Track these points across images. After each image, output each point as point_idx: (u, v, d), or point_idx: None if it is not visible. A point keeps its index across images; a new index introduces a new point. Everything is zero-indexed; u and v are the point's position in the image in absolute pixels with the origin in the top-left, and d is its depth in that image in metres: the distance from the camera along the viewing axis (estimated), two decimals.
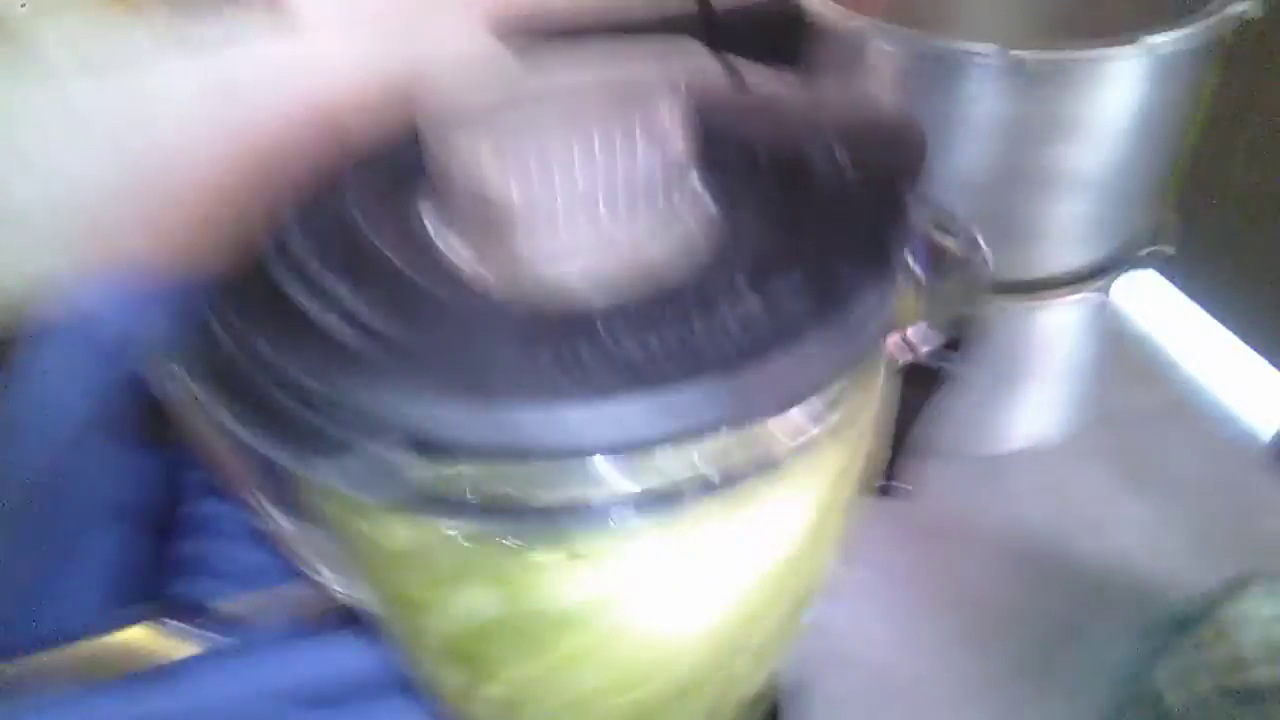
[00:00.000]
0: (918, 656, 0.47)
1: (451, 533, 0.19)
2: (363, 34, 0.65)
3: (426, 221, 0.23)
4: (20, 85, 0.62)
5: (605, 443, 0.17)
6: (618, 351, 0.18)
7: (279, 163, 0.23)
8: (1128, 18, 0.42)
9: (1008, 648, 0.47)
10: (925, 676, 0.46)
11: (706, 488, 0.19)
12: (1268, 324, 0.63)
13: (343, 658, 0.42)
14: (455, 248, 0.22)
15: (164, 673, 0.42)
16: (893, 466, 0.51)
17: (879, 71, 0.45)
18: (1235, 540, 0.52)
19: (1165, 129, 0.46)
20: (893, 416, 0.50)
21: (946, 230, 0.23)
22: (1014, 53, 0.40)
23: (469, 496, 0.18)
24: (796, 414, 0.19)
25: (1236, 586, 0.42)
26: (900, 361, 0.24)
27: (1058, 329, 0.51)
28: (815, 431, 0.20)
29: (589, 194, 0.21)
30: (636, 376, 0.17)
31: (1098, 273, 0.49)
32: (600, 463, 0.18)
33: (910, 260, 0.21)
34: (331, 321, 0.18)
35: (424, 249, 0.22)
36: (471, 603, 0.21)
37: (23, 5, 0.62)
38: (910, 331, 0.22)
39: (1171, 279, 0.67)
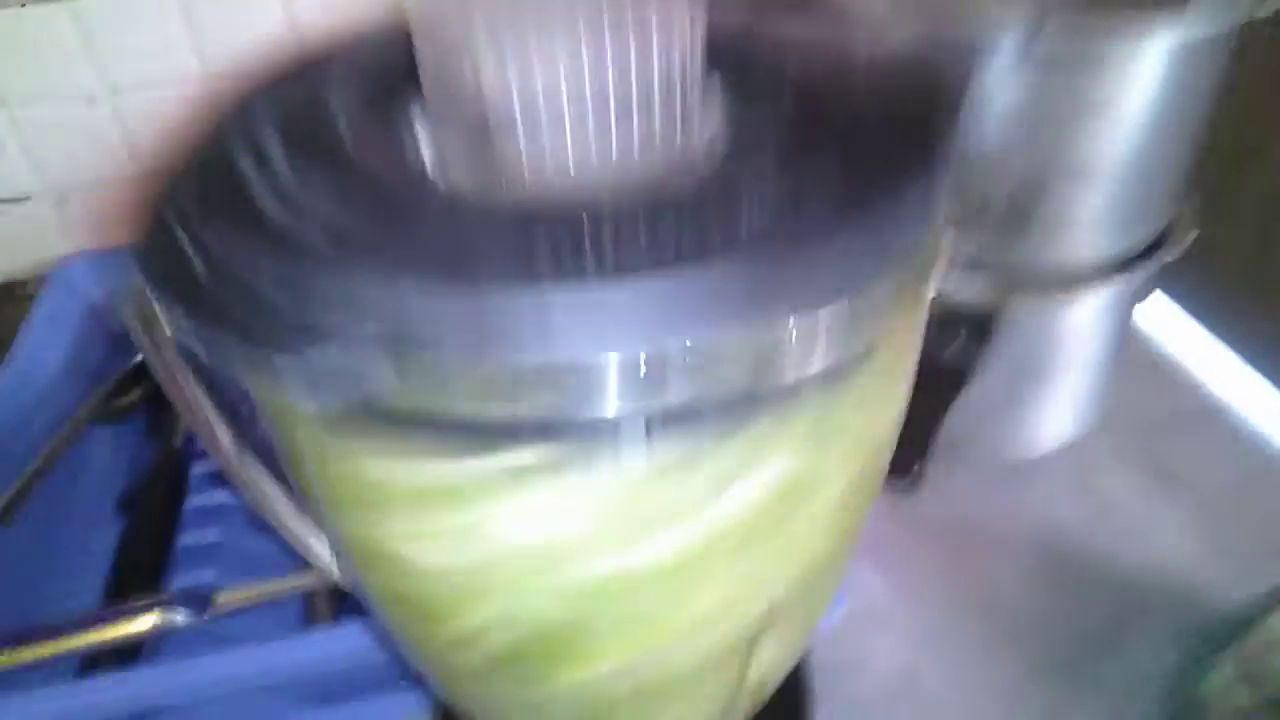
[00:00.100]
0: (944, 664, 0.45)
1: (434, 454, 0.17)
2: None
3: (418, 129, 0.21)
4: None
5: (606, 337, 0.15)
6: (623, 238, 0.15)
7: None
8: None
9: (1039, 656, 0.45)
10: (952, 684, 0.44)
11: (725, 409, 0.17)
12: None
13: (346, 649, 0.41)
14: (445, 154, 0.20)
15: (165, 663, 0.42)
16: (919, 461, 0.49)
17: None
18: (1273, 547, 0.50)
19: (1188, 116, 0.45)
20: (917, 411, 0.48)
21: None
22: (1033, 33, 0.39)
23: (450, 407, 0.16)
24: (827, 323, 0.16)
25: None
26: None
27: (1081, 325, 0.50)
28: (850, 350, 0.17)
29: (598, 93, 0.19)
30: (643, 261, 0.15)
31: (1120, 267, 0.48)
32: (601, 365, 0.15)
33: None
34: (298, 209, 0.16)
35: (411, 152, 0.20)
36: (454, 536, 0.19)
37: (22, 5, 0.62)
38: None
39: (1180, 299, 0.66)
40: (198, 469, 0.55)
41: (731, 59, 0.22)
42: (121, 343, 0.63)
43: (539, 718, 0.27)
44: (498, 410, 0.16)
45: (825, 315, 0.16)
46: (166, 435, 0.57)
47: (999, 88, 0.41)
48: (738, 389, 0.16)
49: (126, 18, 0.60)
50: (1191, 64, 0.42)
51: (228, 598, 0.45)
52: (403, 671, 0.41)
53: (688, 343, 0.15)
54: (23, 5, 0.59)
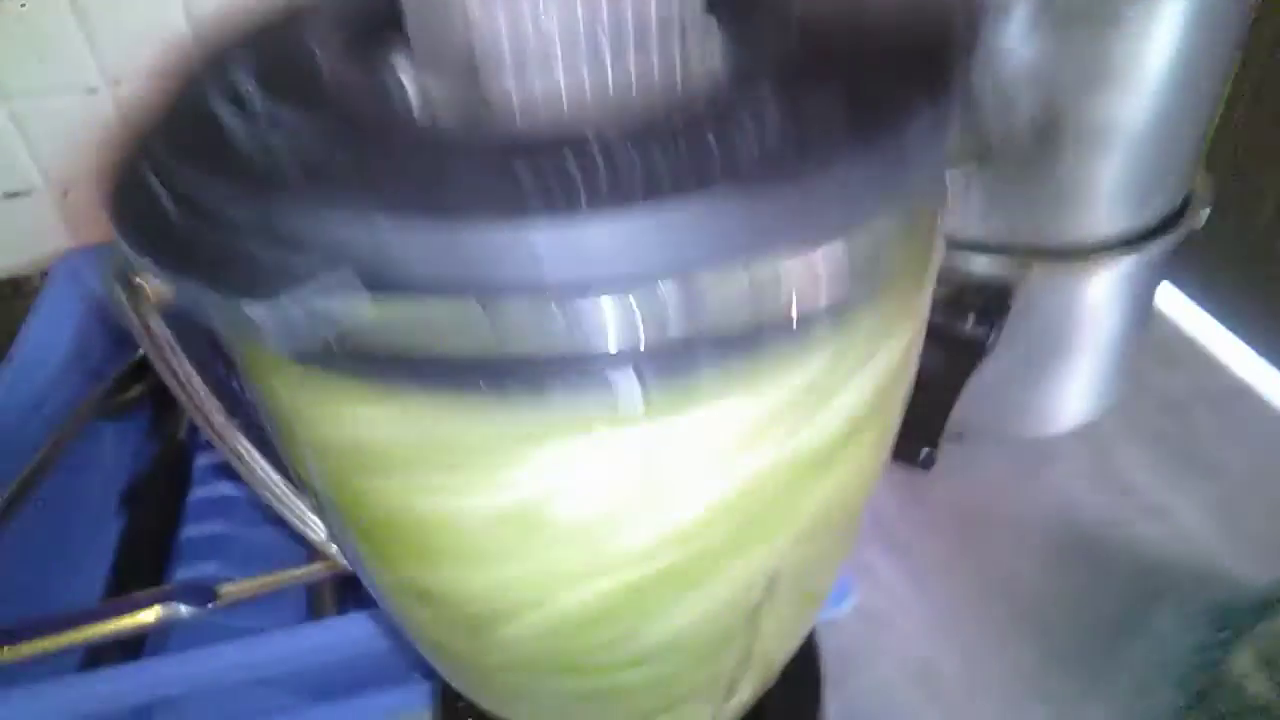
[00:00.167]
0: (960, 650, 0.44)
1: (414, 400, 0.16)
2: None
3: (403, 76, 0.20)
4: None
5: (596, 272, 0.14)
6: (612, 166, 0.14)
7: None
8: None
9: (1058, 641, 0.44)
10: (969, 671, 0.43)
11: (724, 348, 0.16)
12: None
13: (349, 639, 0.40)
14: (431, 99, 0.19)
15: (168, 657, 0.41)
16: (933, 439, 0.48)
17: None
18: None
19: (1206, 81, 0.44)
20: (932, 386, 0.48)
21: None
22: None
23: (432, 350, 0.15)
24: (833, 260, 0.16)
25: None
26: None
27: (1099, 300, 0.49)
28: (855, 289, 0.16)
29: (590, 30, 0.18)
30: (634, 191, 0.14)
31: (1138, 240, 0.47)
32: (591, 302, 0.14)
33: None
34: (270, 146, 0.15)
35: (396, 95, 0.19)
36: (441, 493, 0.18)
37: (23, 5, 0.61)
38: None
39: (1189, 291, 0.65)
40: (201, 461, 0.54)
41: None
42: (124, 338, 0.63)
43: (544, 700, 0.26)
44: (482, 352, 0.15)
45: (825, 251, 0.15)
46: (170, 429, 0.57)
47: (1014, 50, 0.40)
48: (737, 327, 0.16)
49: (126, 8, 0.60)
50: (1209, 25, 0.41)
51: (231, 590, 0.45)
52: (406, 662, 0.41)
53: (683, 277, 0.14)
54: (23, 5, 0.59)
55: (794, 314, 0.16)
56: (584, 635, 0.21)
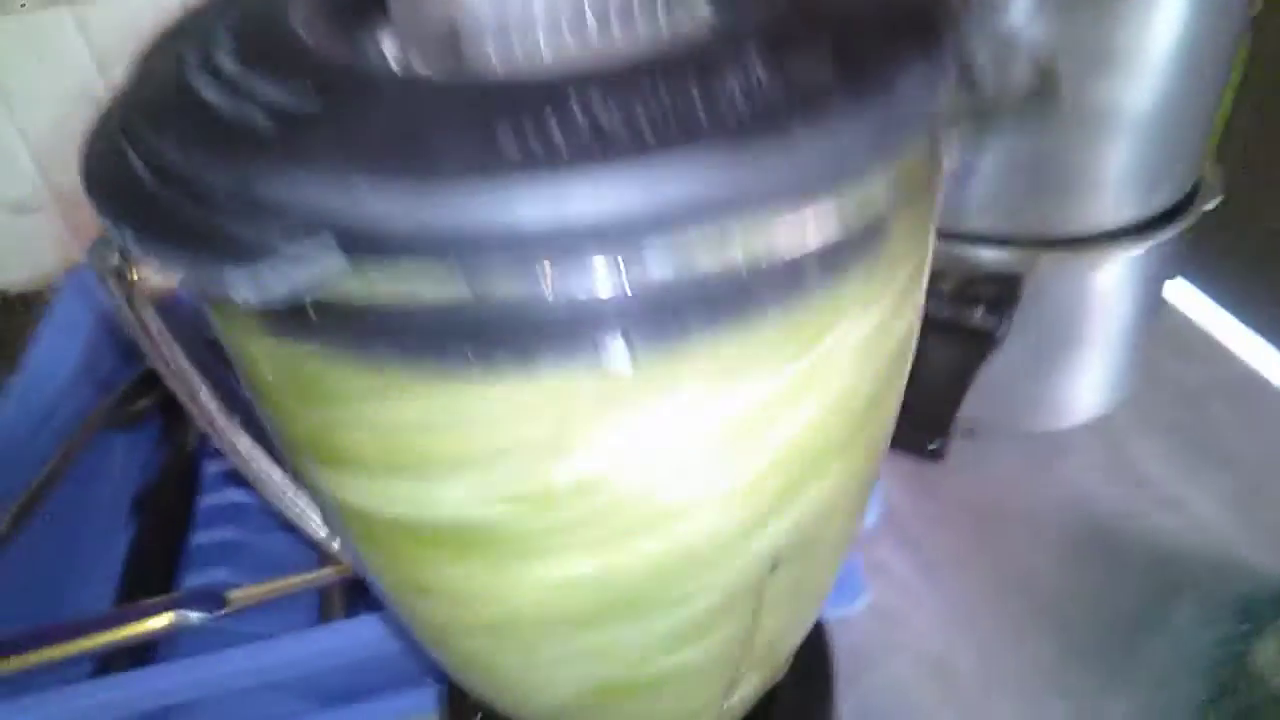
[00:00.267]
0: (976, 646, 0.43)
1: (393, 362, 0.16)
2: None
3: (384, 47, 0.20)
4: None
5: (577, 228, 0.14)
6: (593, 122, 0.14)
7: None
8: None
9: (1076, 636, 0.43)
10: (985, 667, 0.42)
11: (714, 306, 0.15)
12: None
13: (357, 642, 0.40)
14: (409, 67, 0.19)
15: (175, 662, 0.41)
16: (945, 428, 0.47)
17: None
18: None
19: (1212, 66, 0.44)
20: (943, 376, 0.47)
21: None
22: None
23: (413, 318, 0.15)
24: (824, 216, 0.15)
25: None
26: None
27: (1109, 289, 0.48)
28: (850, 247, 0.16)
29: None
30: (616, 146, 0.14)
31: (1144, 226, 0.47)
32: (573, 256, 0.14)
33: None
34: (246, 114, 0.15)
35: (374, 53, 0.19)
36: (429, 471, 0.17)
37: (22, 5, 0.62)
38: None
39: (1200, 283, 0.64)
40: (210, 469, 0.54)
41: None
42: (134, 350, 0.63)
43: (547, 684, 0.25)
44: (466, 319, 0.15)
45: (817, 206, 0.15)
46: (179, 438, 0.57)
47: (1020, 34, 0.40)
48: (726, 285, 0.15)
49: (128, 19, 0.60)
50: (1212, 9, 0.41)
51: (241, 595, 0.45)
52: (415, 665, 0.40)
53: (670, 234, 0.14)
54: (22, 5, 0.60)
55: (785, 271, 0.15)
56: (583, 611, 0.21)
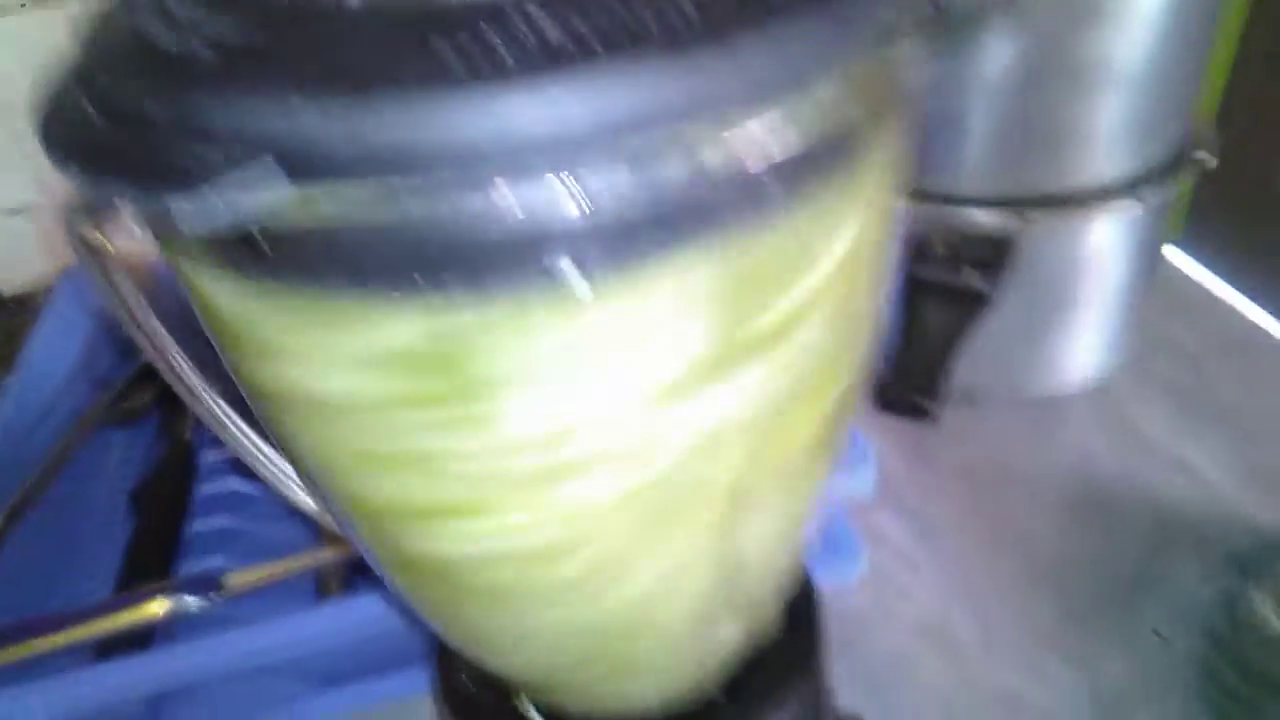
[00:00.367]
0: (975, 609, 0.43)
1: (345, 292, 0.15)
2: None
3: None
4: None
5: (522, 142, 0.14)
6: (534, 34, 0.14)
7: None
8: None
9: (1075, 596, 0.43)
10: (984, 629, 0.42)
11: (669, 224, 0.15)
12: None
13: (353, 621, 0.41)
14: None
15: (168, 647, 0.42)
16: (935, 389, 0.47)
17: None
18: None
19: (1200, 20, 0.44)
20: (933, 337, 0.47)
21: None
22: None
23: (359, 244, 0.15)
24: (776, 127, 0.15)
25: None
26: None
27: (1103, 248, 0.48)
28: (806, 160, 0.16)
29: None
30: (559, 58, 0.14)
31: (1136, 183, 0.46)
32: (522, 178, 0.14)
33: None
34: (189, 47, 0.15)
35: None
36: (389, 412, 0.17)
37: (22, 5, 0.62)
38: None
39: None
40: (207, 458, 0.55)
41: None
42: (131, 347, 0.63)
43: (528, 644, 0.25)
44: (408, 227, 0.15)
45: (768, 116, 0.15)
46: (176, 429, 0.57)
47: None
48: (680, 201, 0.15)
49: None
50: None
51: (237, 580, 0.45)
52: (413, 646, 0.40)
53: (619, 146, 0.14)
54: (22, 5, 0.60)
55: (738, 185, 0.15)
56: (551, 552, 0.20)
